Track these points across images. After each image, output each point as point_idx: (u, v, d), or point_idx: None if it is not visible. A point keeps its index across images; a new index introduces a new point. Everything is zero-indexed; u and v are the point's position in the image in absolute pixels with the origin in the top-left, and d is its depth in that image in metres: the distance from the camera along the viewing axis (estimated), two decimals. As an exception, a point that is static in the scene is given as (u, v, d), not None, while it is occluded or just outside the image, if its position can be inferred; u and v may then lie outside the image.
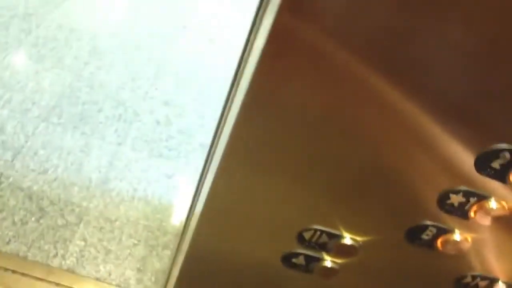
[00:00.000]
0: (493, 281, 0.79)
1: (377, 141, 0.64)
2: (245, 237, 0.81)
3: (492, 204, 0.67)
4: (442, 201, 0.67)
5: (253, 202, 0.75)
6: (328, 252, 0.77)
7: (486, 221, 0.68)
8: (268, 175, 0.70)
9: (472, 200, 0.67)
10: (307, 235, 0.75)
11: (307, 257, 0.80)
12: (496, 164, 0.62)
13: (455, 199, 0.67)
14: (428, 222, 0.71)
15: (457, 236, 0.71)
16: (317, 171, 0.69)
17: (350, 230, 0.74)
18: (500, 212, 0.67)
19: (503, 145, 0.61)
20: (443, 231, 0.72)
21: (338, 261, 0.80)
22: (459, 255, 0.74)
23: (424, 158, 0.65)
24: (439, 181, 0.67)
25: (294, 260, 0.80)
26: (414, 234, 0.72)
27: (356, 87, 0.58)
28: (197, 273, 0.93)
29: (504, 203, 0.67)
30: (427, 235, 0.72)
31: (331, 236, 0.74)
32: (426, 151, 0.64)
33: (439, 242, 0.73)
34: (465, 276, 0.79)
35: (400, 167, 0.66)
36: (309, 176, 0.70)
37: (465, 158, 0.63)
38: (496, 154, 0.61)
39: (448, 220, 0.71)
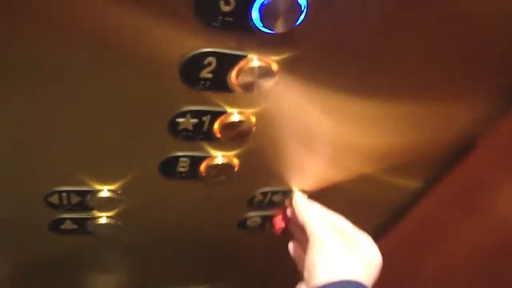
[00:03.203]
0: (287, 192, 0.70)
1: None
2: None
3: (234, 117, 0.55)
4: (174, 129, 0.55)
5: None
6: (92, 209, 0.65)
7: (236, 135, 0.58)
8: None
9: (205, 118, 0.55)
10: (54, 200, 0.62)
11: (75, 220, 0.67)
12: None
13: (186, 123, 0.55)
14: (178, 153, 0.59)
15: (218, 159, 0.61)
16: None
17: (101, 182, 0.62)
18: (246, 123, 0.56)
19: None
20: (199, 158, 0.60)
21: (110, 214, 0.68)
22: (234, 177, 0.64)
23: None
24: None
25: (62, 226, 0.68)
26: (168, 169, 0.61)
27: None
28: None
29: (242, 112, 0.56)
30: (183, 167, 0.60)
31: (81, 193, 0.62)
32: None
33: (201, 170, 0.61)
34: (254, 196, 0.69)
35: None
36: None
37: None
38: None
39: (199, 146, 0.60)
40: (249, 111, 0.55)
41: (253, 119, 0.56)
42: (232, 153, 0.61)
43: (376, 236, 0.82)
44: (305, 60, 0.51)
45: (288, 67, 0.51)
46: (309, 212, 0.65)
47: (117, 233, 0.71)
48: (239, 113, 0.55)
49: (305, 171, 0.68)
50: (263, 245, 0.83)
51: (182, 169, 0.61)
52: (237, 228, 0.76)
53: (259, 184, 0.68)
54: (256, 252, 0.87)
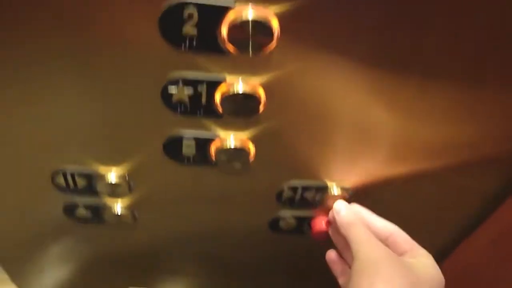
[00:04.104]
0: (321, 188, 0.58)
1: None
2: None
3: (237, 86, 0.45)
4: (168, 101, 0.46)
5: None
6: (102, 195, 0.59)
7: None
8: None
9: (201, 87, 0.45)
10: (60, 180, 0.57)
11: (88, 207, 0.62)
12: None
13: (180, 93, 0.46)
14: (181, 133, 0.51)
15: (229, 142, 0.51)
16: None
17: (106, 165, 0.56)
18: (251, 96, 0.45)
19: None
20: (205, 140, 0.51)
21: (124, 203, 0.61)
22: (252, 166, 0.55)
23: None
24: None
25: (76, 213, 0.62)
26: (173, 151, 0.53)
27: None
28: None
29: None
30: (189, 149, 0.52)
31: (86, 176, 0.56)
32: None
33: (212, 154, 0.53)
34: (282, 191, 0.59)
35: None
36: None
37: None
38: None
39: (204, 125, 0.50)
40: (255, 80, 0.46)
41: (261, 91, 0.47)
42: (245, 135, 0.51)
43: (442, 253, 0.70)
44: (319, 13, 0.41)
45: (294, 22, 0.40)
46: (355, 228, 0.52)
47: (134, 225, 0.65)
48: (244, 82, 0.46)
49: (341, 163, 0.56)
50: (304, 251, 0.71)
51: (188, 152, 0.52)
52: (269, 230, 0.65)
53: (285, 177, 0.57)
54: (296, 259, 0.75)
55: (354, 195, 0.60)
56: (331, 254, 0.60)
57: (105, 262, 0.78)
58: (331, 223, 0.60)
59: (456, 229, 0.67)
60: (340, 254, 0.60)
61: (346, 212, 0.56)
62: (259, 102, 0.46)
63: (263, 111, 0.48)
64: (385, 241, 0.51)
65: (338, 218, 0.56)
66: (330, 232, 0.61)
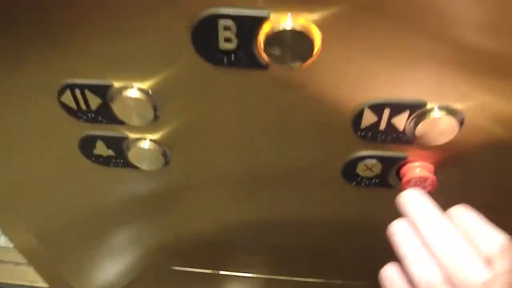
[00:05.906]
0: (416, 107, 0.40)
1: None
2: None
3: None
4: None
5: None
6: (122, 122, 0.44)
7: None
8: None
9: None
10: (67, 99, 0.42)
11: (107, 140, 0.47)
12: None
13: None
14: (219, 11, 0.35)
15: (287, 22, 0.35)
16: None
17: (124, 78, 0.40)
18: None
19: None
20: (251, 22, 0.35)
21: (154, 137, 0.46)
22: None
23: None
24: None
25: (95, 151, 0.48)
26: (205, 40, 0.37)
27: None
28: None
29: None
30: (228, 36, 0.36)
31: (99, 90, 0.41)
32: None
33: (260, 43, 0.36)
34: (361, 111, 0.41)
35: None
36: None
37: None
38: None
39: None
40: None
41: None
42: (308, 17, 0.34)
43: None
44: None
45: None
46: None
47: (165, 169, 0.49)
48: None
49: (440, 76, 0.37)
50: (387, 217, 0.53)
51: (227, 46, 0.36)
52: (342, 179, 0.47)
53: (365, 92, 0.39)
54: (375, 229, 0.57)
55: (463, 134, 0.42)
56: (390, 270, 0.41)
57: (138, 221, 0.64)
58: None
59: None
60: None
61: None
62: None
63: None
64: None
65: None
66: None
